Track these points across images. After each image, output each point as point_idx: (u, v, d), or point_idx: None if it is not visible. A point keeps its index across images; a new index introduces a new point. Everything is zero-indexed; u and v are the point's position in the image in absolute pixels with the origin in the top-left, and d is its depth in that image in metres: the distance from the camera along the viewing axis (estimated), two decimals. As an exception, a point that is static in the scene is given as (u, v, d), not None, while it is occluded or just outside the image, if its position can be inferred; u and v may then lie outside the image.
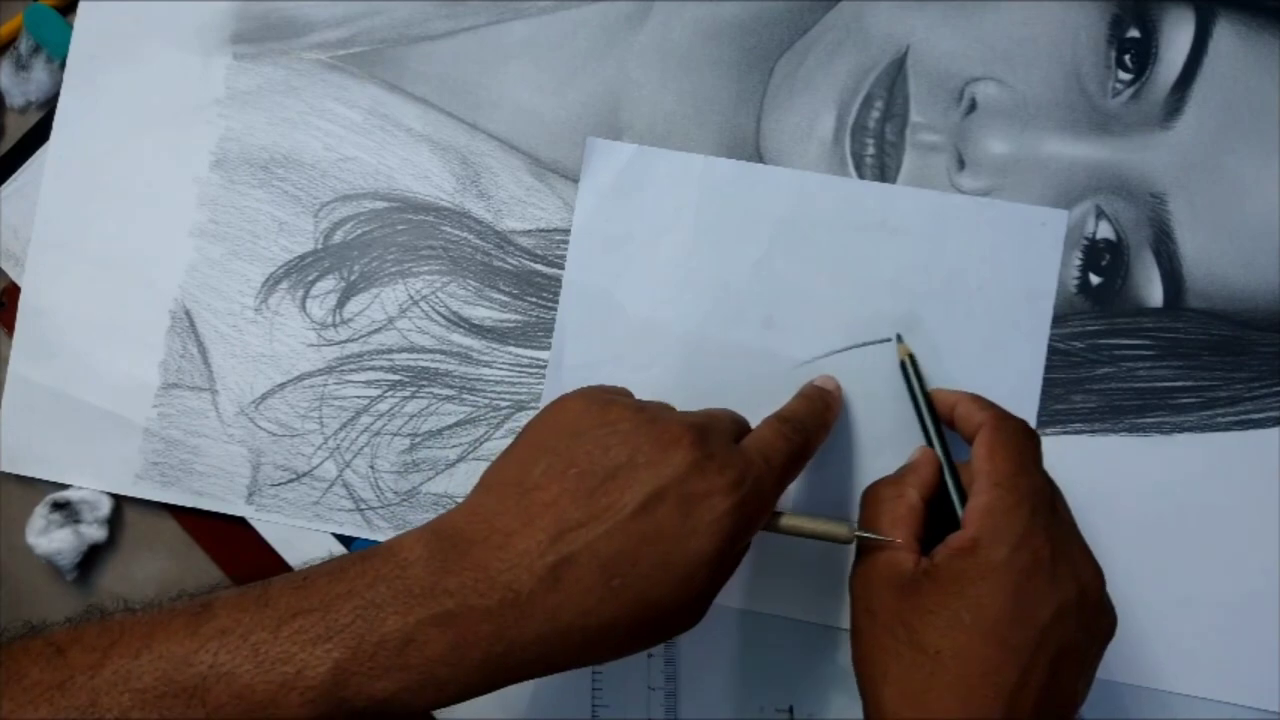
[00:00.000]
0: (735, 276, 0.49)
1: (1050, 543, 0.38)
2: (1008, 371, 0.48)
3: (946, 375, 0.48)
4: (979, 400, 0.44)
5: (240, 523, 0.51)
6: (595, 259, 0.50)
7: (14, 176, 0.53)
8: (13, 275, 0.53)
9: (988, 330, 0.48)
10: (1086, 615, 0.38)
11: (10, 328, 0.52)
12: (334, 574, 0.35)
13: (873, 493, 0.43)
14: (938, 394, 0.46)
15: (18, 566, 0.53)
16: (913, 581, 0.38)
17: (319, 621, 0.34)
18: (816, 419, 0.44)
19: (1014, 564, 0.37)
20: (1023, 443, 0.41)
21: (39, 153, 0.53)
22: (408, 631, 0.34)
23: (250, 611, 0.34)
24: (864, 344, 0.48)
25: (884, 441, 0.48)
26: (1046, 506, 0.39)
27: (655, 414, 0.38)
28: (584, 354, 0.49)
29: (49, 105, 0.53)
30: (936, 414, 0.45)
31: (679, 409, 0.41)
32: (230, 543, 0.51)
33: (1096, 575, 0.39)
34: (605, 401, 0.39)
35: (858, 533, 0.41)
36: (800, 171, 0.49)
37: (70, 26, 0.53)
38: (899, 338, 0.47)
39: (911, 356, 0.47)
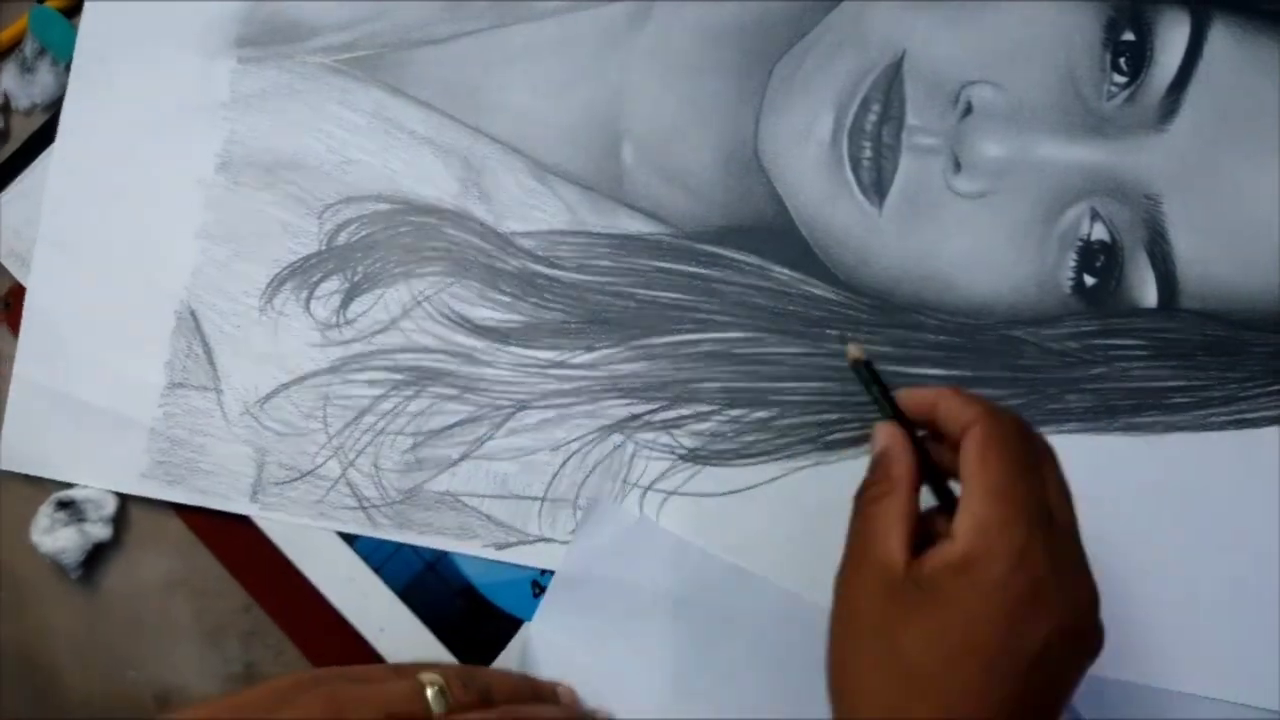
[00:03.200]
0: (710, 671, 0.47)
1: (1049, 560, 0.35)
2: None
3: None
4: (964, 395, 0.38)
5: (245, 521, 0.51)
6: (569, 614, 0.48)
7: (19, 178, 0.54)
8: (18, 276, 0.53)
9: None
10: (1077, 640, 0.36)
11: (16, 328, 0.53)
12: None
13: (865, 497, 0.39)
14: (910, 393, 0.39)
15: (22, 565, 0.53)
16: (901, 587, 0.36)
17: None
18: None
19: (1009, 586, 0.34)
20: (1018, 445, 0.36)
21: (44, 155, 0.53)
22: None
23: None
24: None
25: None
26: (1045, 519, 0.36)
27: None
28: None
29: (54, 108, 0.54)
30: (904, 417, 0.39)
31: None
32: (235, 541, 0.51)
33: (1092, 597, 0.37)
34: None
35: None
36: (796, 595, 0.47)
37: (75, 29, 0.53)
38: (843, 338, 0.42)
39: (868, 362, 0.40)
